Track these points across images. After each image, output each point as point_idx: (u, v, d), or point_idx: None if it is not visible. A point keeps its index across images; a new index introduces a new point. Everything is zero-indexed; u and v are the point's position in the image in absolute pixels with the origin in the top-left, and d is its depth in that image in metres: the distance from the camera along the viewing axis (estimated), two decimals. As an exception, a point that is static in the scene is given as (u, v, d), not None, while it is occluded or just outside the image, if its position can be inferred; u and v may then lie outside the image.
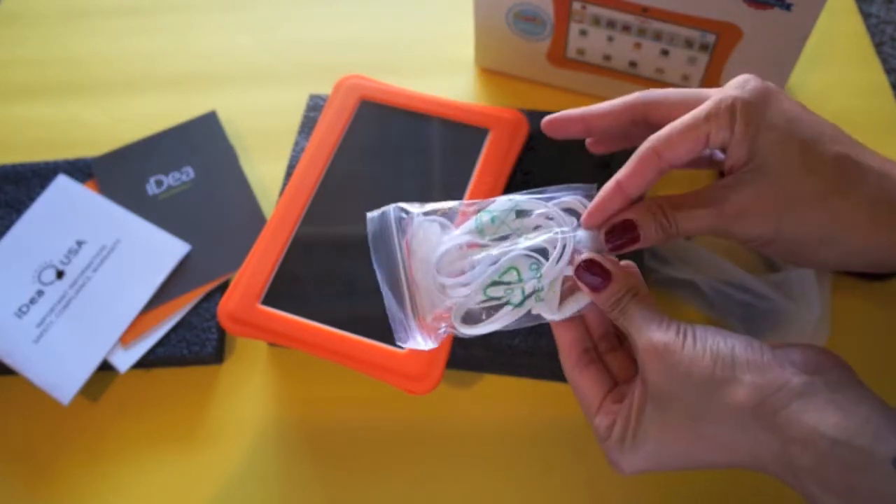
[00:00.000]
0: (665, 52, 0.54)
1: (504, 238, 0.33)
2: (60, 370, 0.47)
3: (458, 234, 0.33)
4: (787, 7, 0.47)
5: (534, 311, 0.33)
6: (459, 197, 0.48)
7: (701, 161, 0.36)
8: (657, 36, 0.53)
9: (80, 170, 0.55)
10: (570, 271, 0.33)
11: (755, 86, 0.32)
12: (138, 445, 0.47)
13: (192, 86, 0.63)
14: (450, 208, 0.34)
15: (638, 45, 0.54)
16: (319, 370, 0.49)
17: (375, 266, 0.33)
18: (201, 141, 0.57)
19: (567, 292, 0.34)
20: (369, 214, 0.34)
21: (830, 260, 0.32)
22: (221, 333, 0.50)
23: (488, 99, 0.61)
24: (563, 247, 0.33)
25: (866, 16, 0.66)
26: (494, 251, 0.33)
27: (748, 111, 0.31)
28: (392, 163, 0.52)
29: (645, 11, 0.52)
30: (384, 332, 0.43)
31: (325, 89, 0.55)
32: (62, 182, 0.54)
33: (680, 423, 0.30)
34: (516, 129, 0.51)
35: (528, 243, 0.33)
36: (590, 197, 0.34)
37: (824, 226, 0.31)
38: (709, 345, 0.30)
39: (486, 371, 0.49)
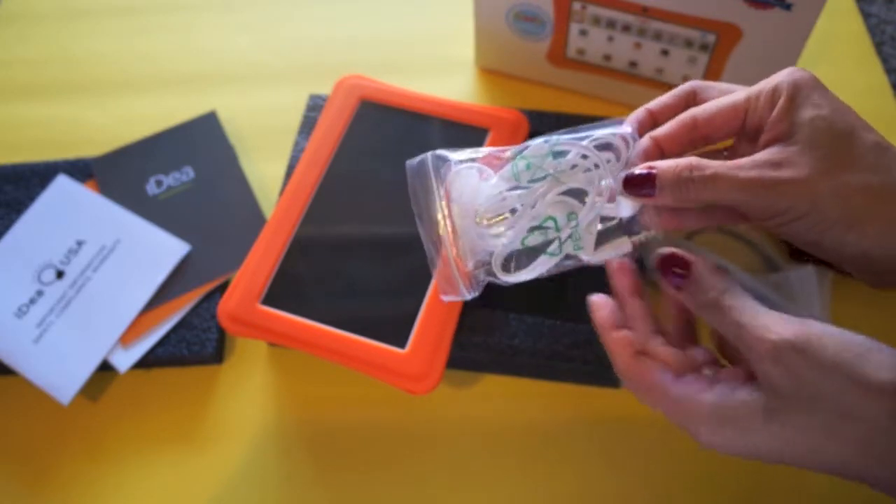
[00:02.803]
0: (665, 52, 0.54)
1: (542, 179, 0.33)
2: (60, 370, 0.47)
3: (496, 181, 0.33)
4: (787, 7, 0.47)
5: (571, 257, 0.33)
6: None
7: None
8: (657, 36, 0.53)
9: (80, 170, 0.55)
10: (606, 210, 0.33)
11: (803, 73, 0.33)
12: (138, 445, 0.47)
13: (192, 86, 0.63)
14: (487, 154, 0.34)
15: (638, 45, 0.54)
16: (319, 370, 0.49)
17: (416, 215, 0.33)
18: (201, 141, 0.57)
19: (606, 236, 0.33)
20: (408, 162, 0.34)
21: (853, 248, 0.31)
22: (221, 333, 0.50)
23: (488, 99, 0.61)
24: (598, 189, 0.32)
25: (866, 16, 0.66)
26: (531, 197, 0.33)
27: (794, 89, 0.32)
28: (392, 163, 0.51)
29: (645, 11, 0.52)
30: (384, 332, 0.44)
31: (325, 89, 0.55)
32: (62, 182, 0.54)
33: (813, 425, 0.29)
34: (516, 129, 0.51)
35: (563, 187, 0.33)
36: (624, 132, 0.34)
37: (860, 207, 0.31)
38: (849, 340, 0.29)
39: (486, 371, 0.49)
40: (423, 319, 0.44)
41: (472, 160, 0.34)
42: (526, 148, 0.34)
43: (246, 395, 0.49)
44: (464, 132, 0.51)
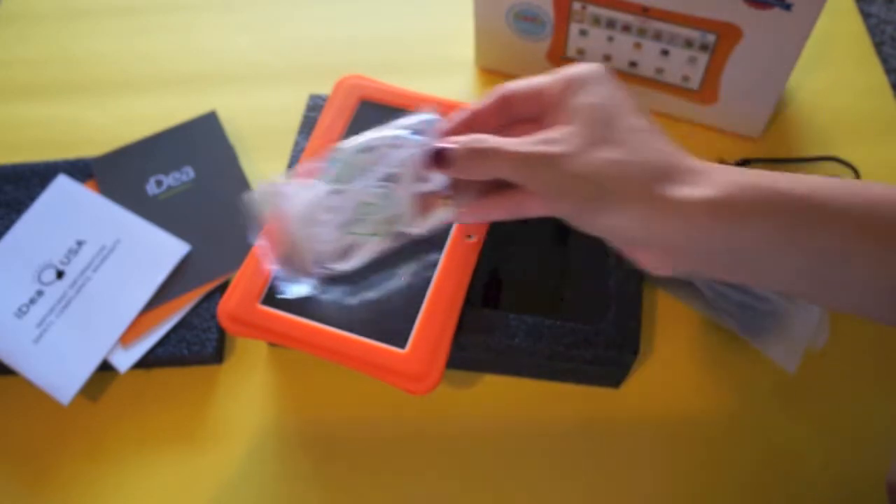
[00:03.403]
0: (665, 52, 0.54)
1: (360, 175, 0.36)
2: (60, 370, 0.47)
3: (315, 187, 0.36)
4: (787, 7, 0.47)
5: (397, 234, 0.36)
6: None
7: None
8: (657, 36, 0.53)
9: (80, 170, 0.55)
10: (426, 187, 0.36)
11: (592, 66, 0.36)
12: (138, 445, 0.47)
13: (192, 86, 0.63)
14: (305, 166, 0.37)
15: (638, 45, 0.54)
16: (319, 370, 0.49)
17: (258, 237, 0.37)
18: (201, 141, 0.57)
19: (428, 206, 0.37)
20: (245, 196, 0.37)
21: (610, 223, 0.34)
22: (221, 333, 0.50)
23: (488, 99, 0.61)
24: (408, 168, 0.36)
25: (866, 16, 0.66)
26: (350, 192, 0.36)
27: (577, 79, 0.36)
28: (392, 163, 0.51)
29: (645, 11, 0.52)
30: (384, 332, 0.43)
31: (325, 89, 0.54)
32: (62, 182, 0.54)
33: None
34: (516, 129, 0.51)
35: (377, 175, 0.36)
36: (430, 118, 0.38)
37: (608, 178, 0.33)
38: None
39: (486, 371, 0.49)
40: (423, 319, 0.44)
41: (295, 174, 0.37)
42: (337, 150, 0.36)
43: (246, 395, 0.49)
44: (464, 132, 0.51)
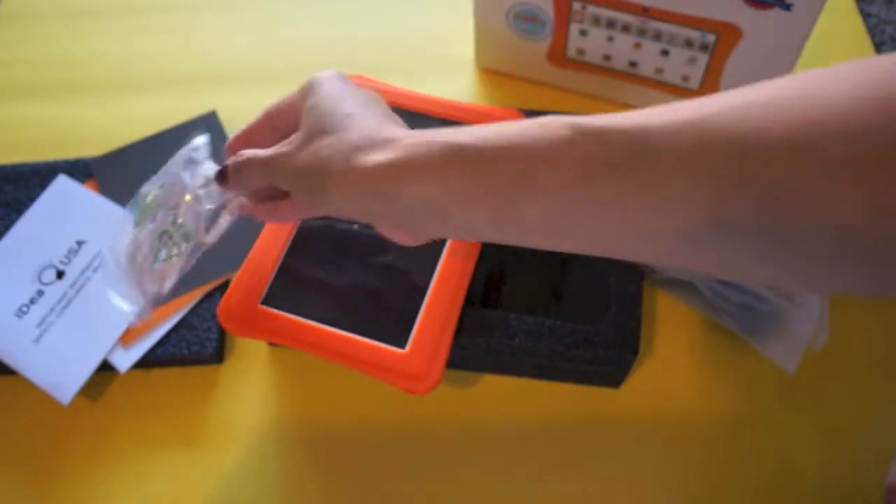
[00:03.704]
0: (665, 52, 0.54)
1: (154, 213, 0.43)
2: (60, 370, 0.47)
3: (126, 234, 0.43)
4: (787, 7, 0.47)
5: (194, 247, 0.43)
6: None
7: None
8: (657, 36, 0.53)
9: (80, 170, 0.55)
10: (208, 203, 0.42)
11: (322, 72, 0.39)
12: (138, 445, 0.47)
13: (192, 86, 0.63)
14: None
15: (638, 45, 0.54)
16: (319, 370, 0.49)
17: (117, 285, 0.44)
18: None
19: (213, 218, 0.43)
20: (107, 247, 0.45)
21: (346, 206, 0.35)
22: (221, 333, 0.50)
23: (488, 99, 0.61)
24: (186, 194, 0.43)
25: (866, 16, 0.66)
26: (148, 229, 0.43)
27: (307, 86, 0.38)
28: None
29: (645, 11, 0.52)
30: (384, 332, 0.44)
31: (325, 89, 0.54)
32: (62, 182, 0.54)
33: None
34: (516, 129, 0.51)
35: (167, 208, 0.43)
36: (196, 144, 0.44)
37: (331, 161, 0.35)
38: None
39: (486, 371, 0.49)
40: (423, 319, 0.44)
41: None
42: (135, 196, 0.44)
43: (246, 395, 0.49)
44: (464, 132, 0.51)
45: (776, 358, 0.47)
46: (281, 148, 0.37)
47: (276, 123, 0.41)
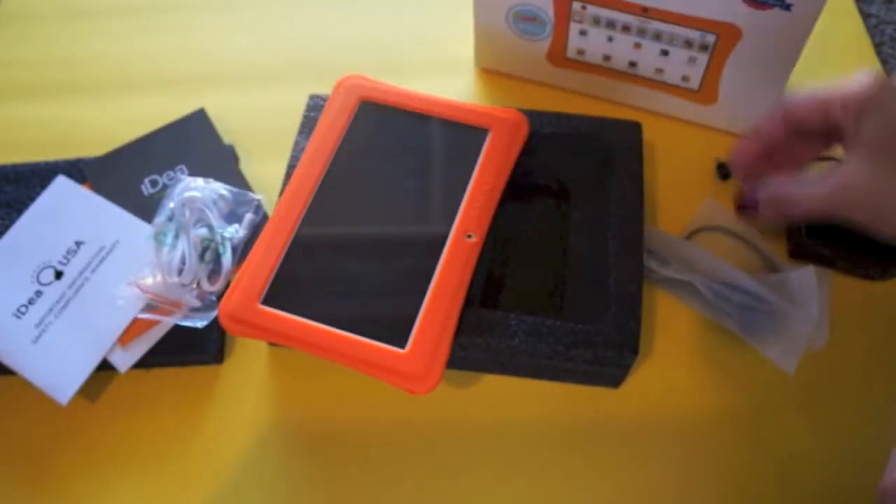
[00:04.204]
0: (665, 53, 0.54)
1: (180, 230, 0.50)
2: (59, 370, 0.47)
3: (163, 258, 0.49)
4: (787, 7, 0.47)
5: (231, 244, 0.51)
6: (459, 197, 0.48)
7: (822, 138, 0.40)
8: (657, 36, 0.53)
9: (80, 170, 0.55)
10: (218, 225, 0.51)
11: (867, 81, 0.36)
12: (138, 445, 0.47)
13: (192, 86, 0.63)
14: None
15: (638, 46, 0.54)
16: (319, 370, 0.49)
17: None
18: (193, 139, 0.57)
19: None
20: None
21: None
22: (221, 333, 0.50)
23: (488, 99, 0.61)
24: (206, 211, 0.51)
25: (866, 16, 0.66)
26: (182, 242, 0.50)
27: (862, 99, 0.35)
28: (392, 163, 0.52)
29: (645, 11, 0.52)
30: (384, 332, 0.43)
31: (325, 89, 0.54)
32: (62, 182, 0.54)
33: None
34: (516, 129, 0.51)
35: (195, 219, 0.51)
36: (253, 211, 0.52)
37: None
38: None
39: (486, 371, 0.49)
40: (423, 319, 0.44)
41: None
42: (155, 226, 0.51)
43: (246, 395, 0.49)
44: (464, 132, 0.51)
45: (776, 358, 0.47)
46: (842, 177, 0.34)
47: (798, 126, 0.38)
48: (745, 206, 0.41)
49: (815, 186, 0.36)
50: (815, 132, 0.39)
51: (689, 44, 0.53)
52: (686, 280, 0.49)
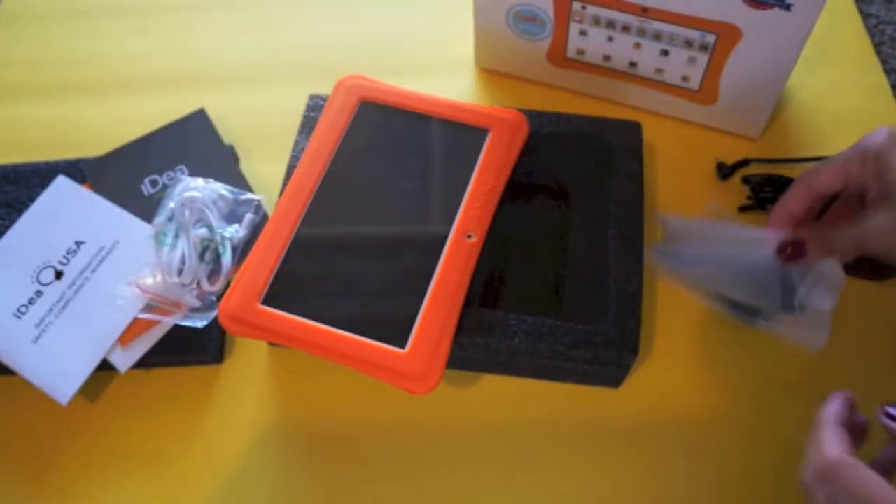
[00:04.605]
0: (665, 53, 0.54)
1: (180, 230, 0.50)
2: (59, 370, 0.47)
3: (163, 258, 0.49)
4: (787, 7, 0.47)
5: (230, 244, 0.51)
6: (459, 197, 0.48)
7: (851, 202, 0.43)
8: (657, 36, 0.53)
9: (80, 170, 0.55)
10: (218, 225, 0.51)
11: (884, 135, 0.39)
12: (138, 445, 0.47)
13: (192, 86, 0.63)
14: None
15: (638, 46, 0.54)
16: (319, 370, 0.49)
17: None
18: (193, 139, 0.57)
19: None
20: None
21: None
22: (221, 333, 0.50)
23: (488, 99, 0.61)
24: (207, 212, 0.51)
25: (866, 16, 0.66)
26: (182, 242, 0.50)
27: (876, 157, 0.39)
28: (392, 163, 0.52)
29: (645, 11, 0.52)
30: (384, 332, 0.43)
31: (325, 89, 0.54)
32: (62, 182, 0.54)
33: None
34: (516, 129, 0.51)
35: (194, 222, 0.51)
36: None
37: None
38: None
39: (486, 371, 0.49)
40: (423, 319, 0.44)
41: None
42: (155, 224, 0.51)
43: (246, 395, 0.49)
44: (464, 132, 0.51)
45: (802, 338, 0.44)
46: (873, 222, 0.38)
47: (818, 194, 0.42)
48: (785, 247, 0.42)
49: (846, 235, 0.39)
50: (835, 193, 0.42)
51: (689, 44, 0.53)
52: (709, 256, 0.46)
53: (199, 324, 0.48)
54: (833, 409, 0.37)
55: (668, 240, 0.48)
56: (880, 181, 0.39)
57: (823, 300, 0.44)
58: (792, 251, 0.41)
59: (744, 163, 0.56)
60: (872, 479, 0.32)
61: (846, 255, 0.40)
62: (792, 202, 0.42)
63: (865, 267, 0.50)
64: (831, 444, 0.34)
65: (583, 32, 0.55)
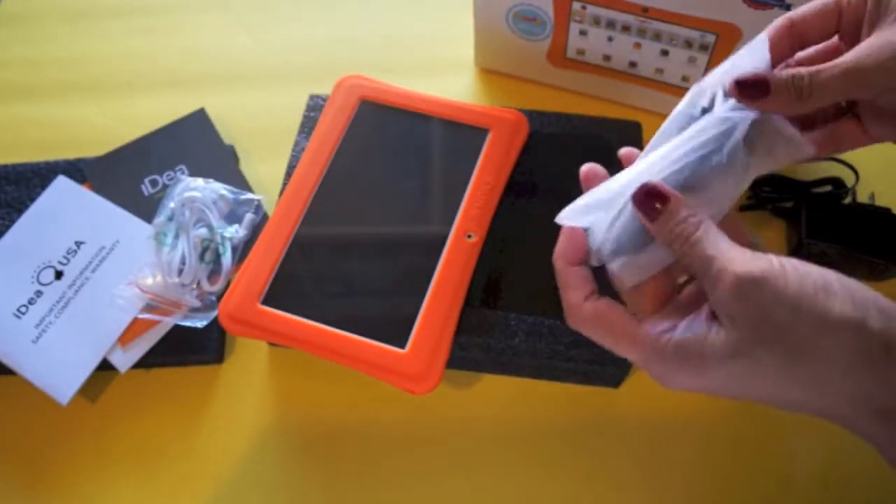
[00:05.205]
0: (665, 53, 0.54)
1: (180, 230, 0.50)
2: (59, 370, 0.47)
3: (163, 258, 0.49)
4: (787, 7, 0.47)
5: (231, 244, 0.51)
6: (459, 197, 0.48)
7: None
8: (657, 36, 0.53)
9: (80, 170, 0.55)
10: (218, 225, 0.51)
11: None
12: (138, 445, 0.47)
13: (192, 86, 0.63)
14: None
15: (638, 46, 0.54)
16: (319, 370, 0.49)
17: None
18: (193, 139, 0.57)
19: None
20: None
21: None
22: (221, 333, 0.50)
23: (488, 99, 0.61)
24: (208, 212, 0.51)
25: (866, 16, 0.66)
26: (182, 243, 0.50)
27: None
28: (392, 163, 0.52)
29: (645, 11, 0.52)
30: (384, 332, 0.43)
31: (325, 89, 0.55)
32: (62, 182, 0.54)
33: (773, 362, 0.28)
34: (516, 129, 0.51)
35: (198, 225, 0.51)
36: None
37: None
38: (812, 276, 0.28)
39: (486, 371, 0.49)
40: (423, 319, 0.44)
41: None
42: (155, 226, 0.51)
43: (246, 395, 0.49)
44: (464, 132, 0.51)
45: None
46: (878, 41, 0.31)
47: (804, 29, 0.34)
48: (745, 84, 0.33)
49: (833, 68, 0.32)
50: (826, 37, 0.35)
51: (689, 44, 0.53)
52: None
53: (199, 324, 0.48)
54: (560, 251, 0.35)
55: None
56: (881, 5, 0.32)
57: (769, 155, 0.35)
58: (751, 87, 0.32)
59: (744, 163, 0.56)
60: (617, 313, 0.33)
61: (827, 96, 0.32)
62: (772, 37, 0.35)
63: (864, 267, 0.50)
64: (569, 289, 0.34)
65: (583, 32, 0.55)
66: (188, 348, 0.49)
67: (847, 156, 0.56)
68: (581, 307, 0.34)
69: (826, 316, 0.27)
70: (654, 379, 0.32)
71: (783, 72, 0.32)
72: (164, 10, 0.68)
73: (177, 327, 0.49)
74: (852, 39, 0.34)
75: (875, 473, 0.44)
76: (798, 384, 0.28)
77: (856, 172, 0.55)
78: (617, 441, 0.46)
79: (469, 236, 0.47)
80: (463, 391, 0.48)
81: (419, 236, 0.48)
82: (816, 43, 0.35)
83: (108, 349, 0.48)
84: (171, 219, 0.50)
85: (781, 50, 0.35)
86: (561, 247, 0.35)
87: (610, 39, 0.55)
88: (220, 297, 0.48)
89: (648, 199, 0.32)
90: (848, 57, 0.32)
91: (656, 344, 0.31)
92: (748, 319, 0.28)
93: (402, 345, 0.43)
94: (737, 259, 0.29)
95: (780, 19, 0.35)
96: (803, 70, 0.32)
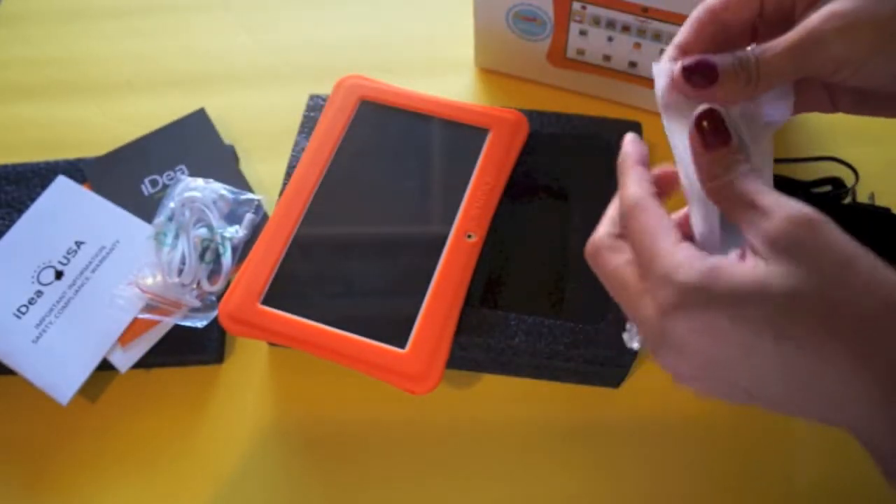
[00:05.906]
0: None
1: (180, 230, 0.50)
2: (59, 370, 0.47)
3: (163, 258, 0.49)
4: (787, 7, 0.47)
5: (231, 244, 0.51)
6: (459, 197, 0.48)
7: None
8: (657, 36, 0.53)
9: (80, 170, 0.55)
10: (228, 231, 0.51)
11: None
12: (138, 445, 0.47)
13: (192, 86, 0.63)
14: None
15: (638, 46, 0.54)
16: (319, 370, 0.49)
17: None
18: (193, 139, 0.57)
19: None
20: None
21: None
22: (221, 333, 0.50)
23: (488, 99, 0.61)
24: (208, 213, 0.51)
25: (866, 16, 0.66)
26: (182, 243, 0.50)
27: None
28: (392, 163, 0.52)
29: (645, 11, 0.52)
30: (384, 332, 0.43)
31: (325, 89, 0.55)
32: (62, 183, 0.54)
33: (822, 306, 0.25)
34: (516, 129, 0.51)
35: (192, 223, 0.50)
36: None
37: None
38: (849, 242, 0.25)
39: (486, 371, 0.49)
40: (423, 319, 0.44)
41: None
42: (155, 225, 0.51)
43: (246, 395, 0.49)
44: (464, 132, 0.51)
45: None
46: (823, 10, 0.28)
47: (727, 16, 0.31)
48: (691, 69, 0.30)
49: (778, 45, 0.29)
50: (748, 23, 0.31)
51: (689, 44, 0.53)
52: None
53: (199, 324, 0.48)
54: (629, 149, 0.32)
55: None
56: None
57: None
58: (699, 74, 0.30)
59: (744, 163, 0.56)
60: (664, 222, 0.29)
61: (777, 77, 0.29)
62: (683, 33, 0.32)
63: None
64: (631, 184, 0.31)
65: (583, 32, 0.55)
66: (188, 348, 0.49)
67: (847, 156, 0.56)
68: (632, 200, 0.30)
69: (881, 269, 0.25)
70: (663, 321, 0.28)
71: (728, 55, 0.29)
72: (165, 10, 0.68)
73: (177, 327, 0.49)
74: (775, 25, 0.31)
75: (876, 474, 0.44)
76: (841, 342, 0.25)
77: (856, 172, 0.55)
78: (617, 441, 0.46)
79: (469, 236, 0.47)
80: (463, 391, 0.48)
81: (419, 236, 0.48)
82: (739, 31, 0.32)
83: (108, 349, 0.48)
84: (171, 219, 0.50)
85: (703, 42, 0.31)
86: (629, 149, 0.32)
87: (610, 39, 0.55)
88: (220, 297, 0.48)
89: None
90: (793, 32, 0.29)
91: (692, 260, 0.27)
92: (803, 252, 0.25)
93: (402, 345, 0.43)
94: (788, 201, 0.27)
95: (700, 8, 0.31)
96: (748, 51, 0.29)
